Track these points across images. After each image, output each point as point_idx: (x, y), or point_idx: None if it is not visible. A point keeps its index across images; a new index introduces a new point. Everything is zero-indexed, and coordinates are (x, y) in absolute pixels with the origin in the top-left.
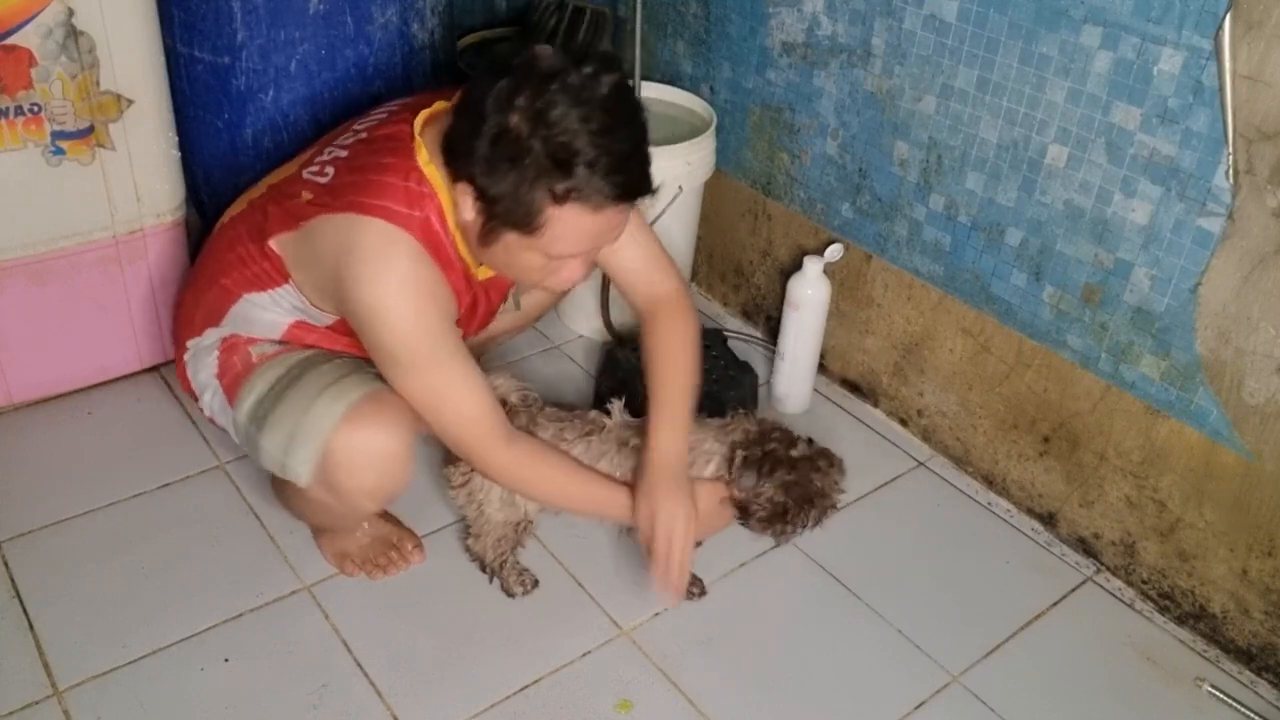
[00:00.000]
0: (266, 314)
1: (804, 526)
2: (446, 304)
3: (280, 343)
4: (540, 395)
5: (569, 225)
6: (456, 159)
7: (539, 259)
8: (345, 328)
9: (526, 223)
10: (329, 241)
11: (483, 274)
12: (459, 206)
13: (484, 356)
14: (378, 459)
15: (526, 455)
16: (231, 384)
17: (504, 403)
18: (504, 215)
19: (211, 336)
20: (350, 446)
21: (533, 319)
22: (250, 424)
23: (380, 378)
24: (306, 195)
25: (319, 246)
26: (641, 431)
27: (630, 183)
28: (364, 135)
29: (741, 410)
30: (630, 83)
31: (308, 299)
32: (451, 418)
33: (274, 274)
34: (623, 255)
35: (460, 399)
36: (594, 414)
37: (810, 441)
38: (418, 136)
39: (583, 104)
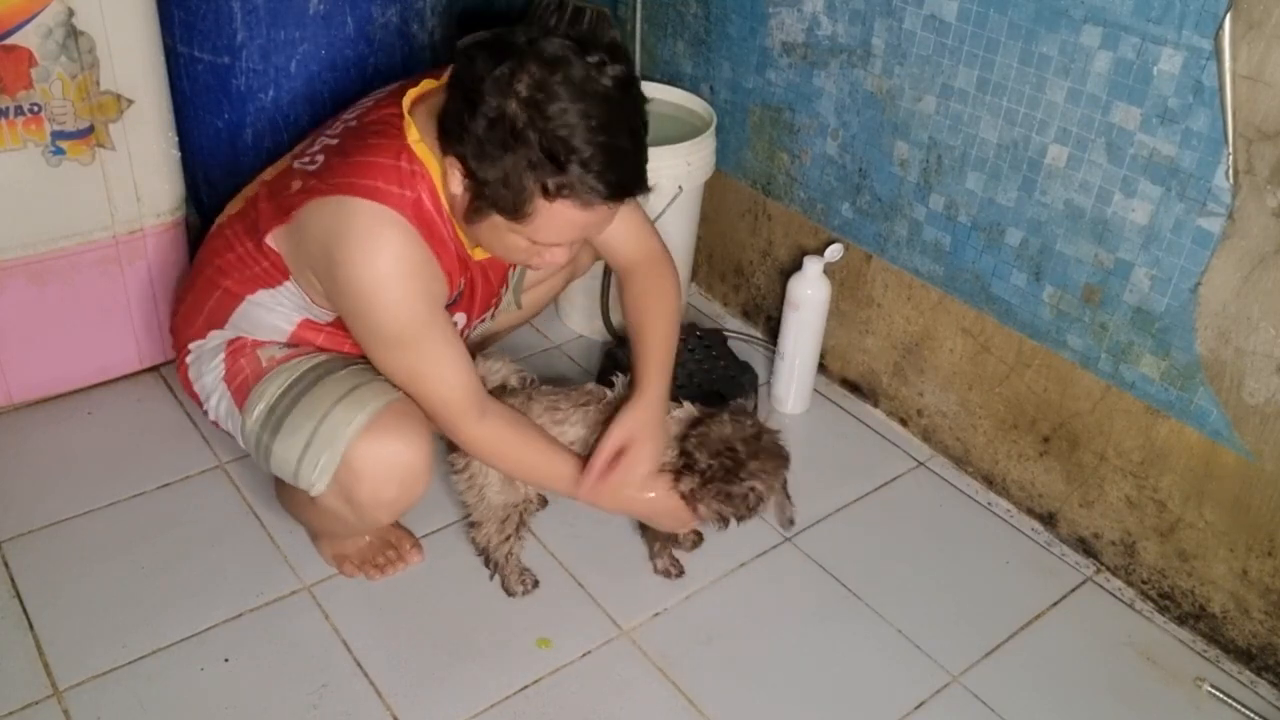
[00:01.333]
0: (271, 315)
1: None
2: (436, 285)
3: (289, 345)
4: (537, 377)
5: (557, 217)
6: (449, 134)
7: (524, 242)
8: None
9: (514, 210)
10: (319, 225)
11: (479, 254)
12: (447, 179)
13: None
14: (399, 471)
15: (497, 432)
16: (240, 389)
17: (503, 386)
18: (492, 198)
19: (216, 339)
20: (372, 457)
21: (532, 315)
22: (262, 430)
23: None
24: (296, 185)
25: (310, 232)
26: (535, 399)
27: (624, 182)
28: (353, 123)
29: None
30: (633, 69)
31: (309, 296)
32: (429, 394)
33: (274, 272)
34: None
35: (440, 376)
36: (591, 386)
37: (757, 427)
38: (407, 115)
39: (584, 97)
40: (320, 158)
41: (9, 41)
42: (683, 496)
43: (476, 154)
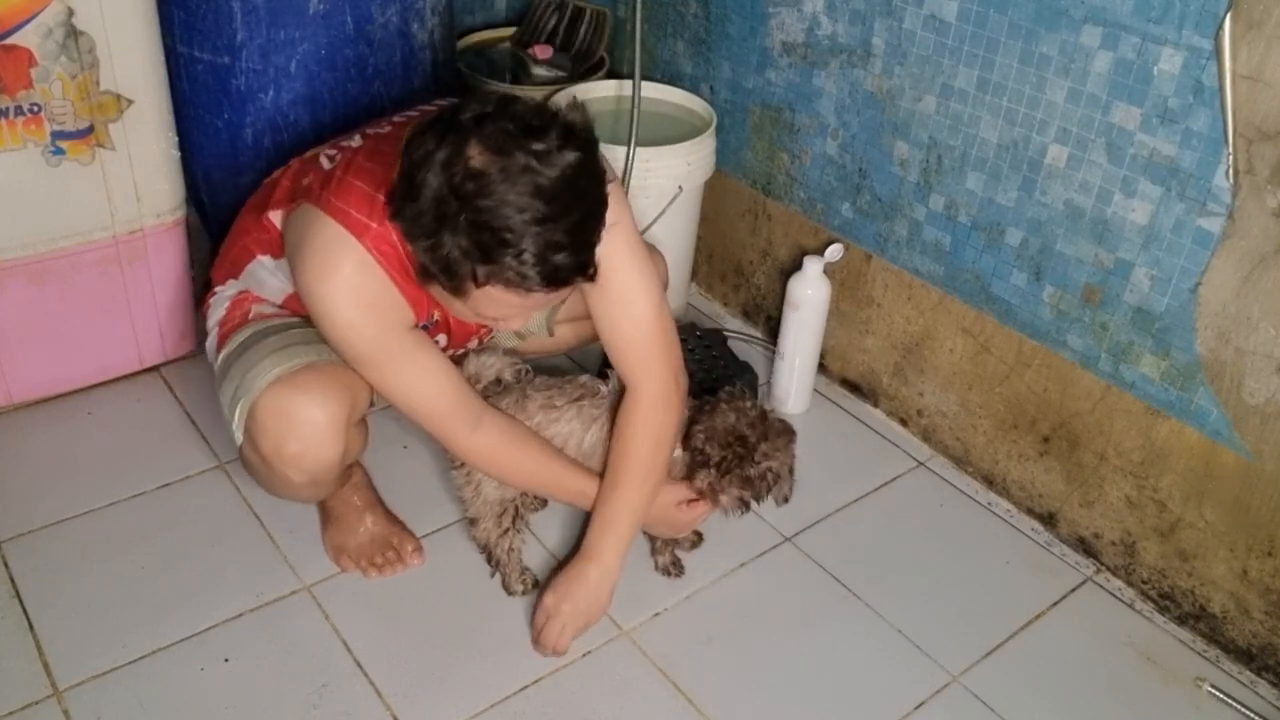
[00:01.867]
0: (272, 278)
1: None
2: (396, 312)
3: (280, 307)
4: (532, 368)
5: (493, 299)
6: (392, 205)
7: (469, 311)
8: None
9: (451, 288)
10: (295, 229)
11: None
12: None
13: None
14: (301, 426)
15: (492, 441)
16: (225, 333)
17: (497, 380)
18: (429, 272)
19: (231, 289)
20: (275, 409)
21: (566, 349)
22: (220, 376)
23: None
24: (309, 179)
25: (290, 231)
26: (530, 397)
27: (559, 274)
28: (386, 130)
29: (707, 400)
30: (592, 155)
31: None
32: (413, 408)
33: (276, 244)
34: (617, 324)
35: (417, 391)
36: (586, 378)
37: (759, 409)
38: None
39: (520, 189)
40: (338, 158)
41: (9, 41)
42: (700, 492)
43: (410, 232)
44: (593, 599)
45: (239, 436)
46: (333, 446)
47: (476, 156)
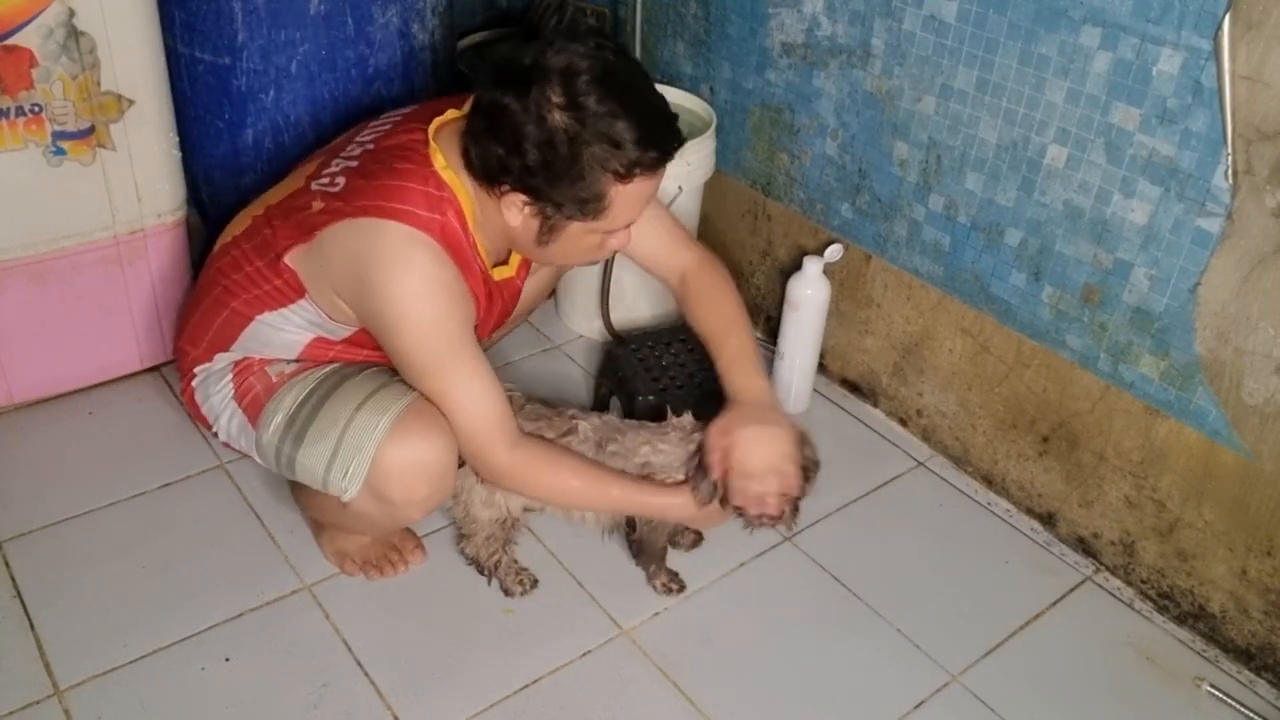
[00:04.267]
0: (281, 334)
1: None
2: (466, 306)
3: (297, 360)
4: (524, 393)
5: (630, 197)
6: (494, 175)
7: (597, 238)
8: (365, 339)
9: (594, 211)
10: (346, 247)
11: (498, 274)
12: (503, 212)
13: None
14: (429, 469)
15: (529, 459)
16: (253, 405)
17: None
18: (570, 211)
19: (222, 362)
20: (402, 459)
21: (528, 313)
22: (281, 442)
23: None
24: (318, 205)
25: (336, 254)
26: (625, 431)
27: (671, 139)
28: (371, 147)
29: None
30: (616, 41)
31: (325, 313)
32: (462, 419)
33: (288, 290)
34: (644, 240)
35: (472, 401)
36: (573, 412)
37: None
38: (433, 142)
39: (605, 85)
40: (341, 180)
41: (10, 42)
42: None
43: (545, 180)
44: (776, 430)
45: (350, 495)
46: (453, 478)
47: (558, 82)
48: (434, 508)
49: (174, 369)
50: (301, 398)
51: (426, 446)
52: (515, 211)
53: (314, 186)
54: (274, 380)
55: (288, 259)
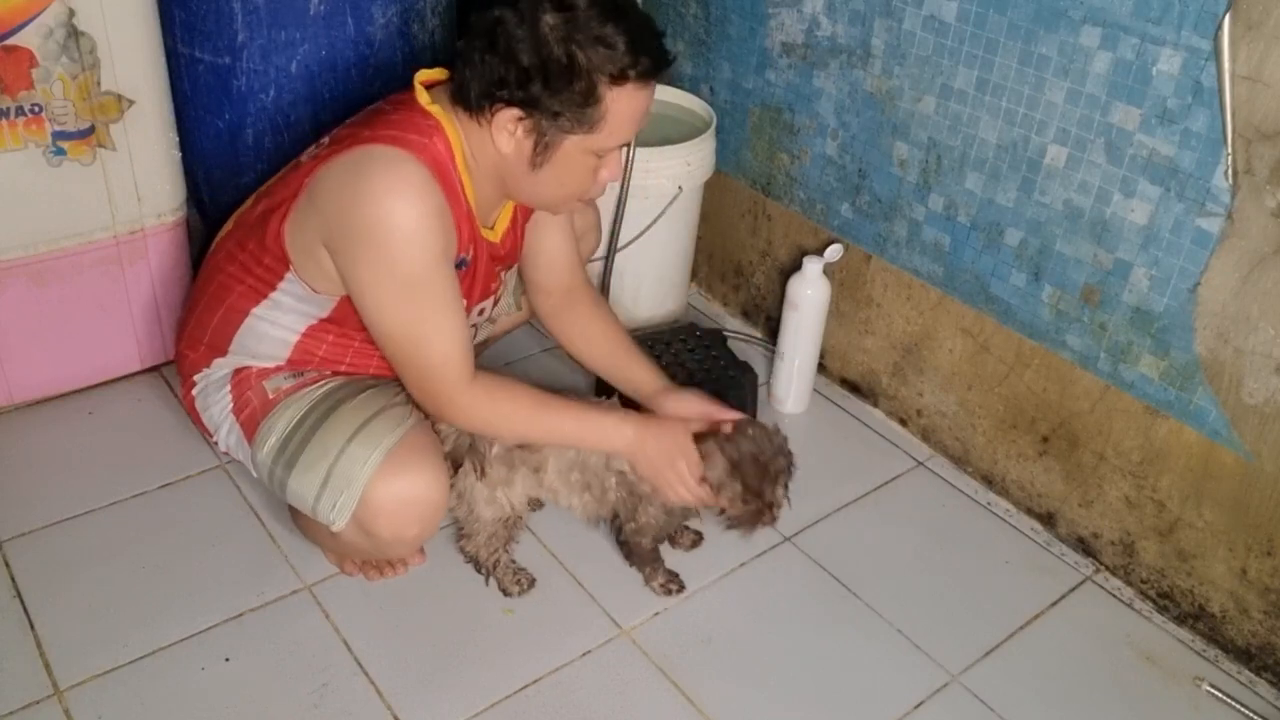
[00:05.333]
0: (274, 329)
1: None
2: (449, 236)
3: (294, 375)
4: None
5: (624, 106)
6: (486, 95)
7: (591, 161)
8: (353, 321)
9: (590, 119)
10: (336, 178)
11: (486, 235)
12: (495, 140)
13: (482, 355)
14: (419, 508)
15: (485, 392)
16: (249, 421)
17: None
18: (567, 122)
19: (220, 369)
20: (391, 498)
21: (532, 314)
22: (274, 464)
23: (408, 416)
24: (304, 165)
25: (325, 189)
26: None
27: (662, 52)
28: (360, 118)
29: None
30: None
31: (308, 285)
32: (423, 356)
33: (275, 267)
34: (552, 236)
35: (438, 339)
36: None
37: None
38: (418, 87)
39: None
40: (326, 141)
41: (10, 42)
42: (707, 481)
43: (542, 87)
44: (670, 431)
45: (339, 525)
46: (443, 515)
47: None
48: (422, 543)
49: (174, 369)
50: (295, 420)
51: (417, 485)
52: (507, 136)
53: (302, 159)
54: (270, 397)
55: (274, 222)
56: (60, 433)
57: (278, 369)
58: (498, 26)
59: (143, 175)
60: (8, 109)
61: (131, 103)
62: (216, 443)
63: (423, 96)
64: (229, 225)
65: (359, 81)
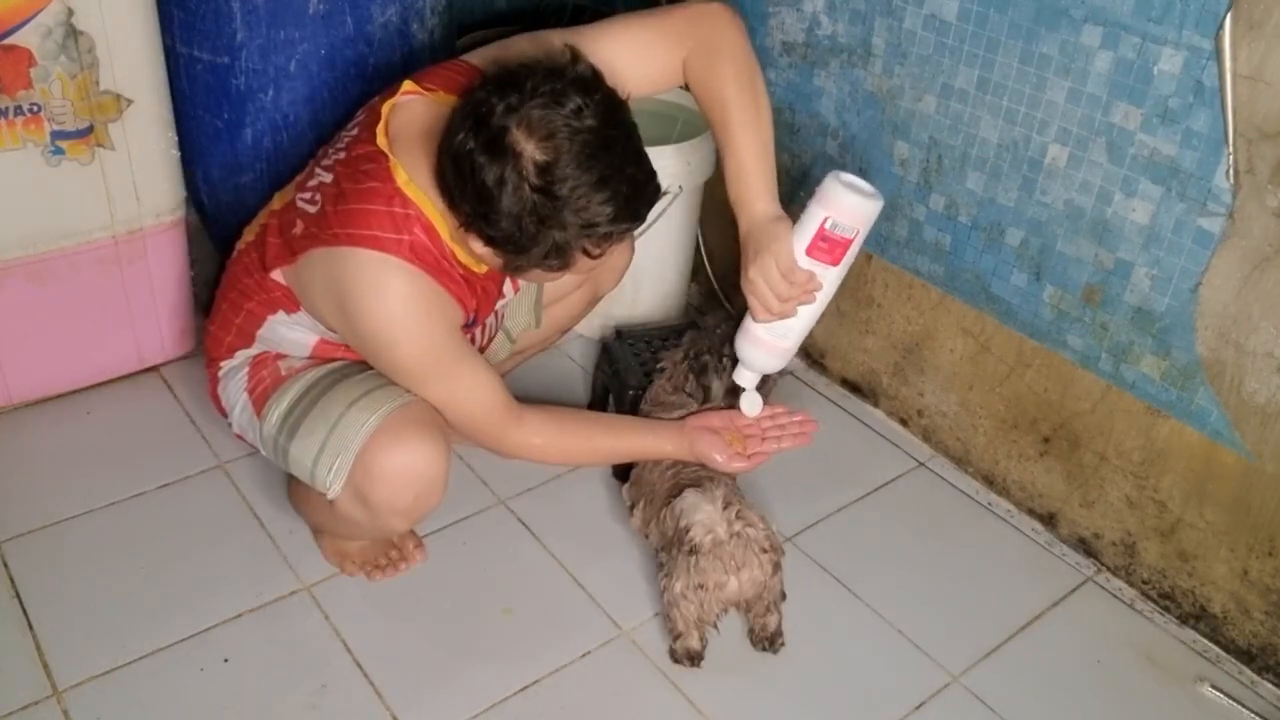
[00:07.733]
0: (292, 332)
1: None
2: (449, 312)
3: (309, 358)
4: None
5: (601, 257)
6: (467, 225)
7: (572, 278)
8: None
9: (560, 267)
10: (323, 275)
11: (480, 268)
12: (468, 242)
13: (508, 377)
14: (414, 478)
15: (541, 425)
16: (260, 397)
17: None
18: (535, 267)
19: (241, 356)
20: (387, 463)
21: (556, 336)
22: (279, 434)
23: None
24: (299, 228)
25: (316, 280)
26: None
27: (646, 207)
28: (343, 155)
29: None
30: (608, 88)
31: (323, 323)
32: (467, 414)
33: (287, 301)
34: (638, 64)
35: (473, 397)
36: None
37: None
38: (391, 157)
39: (583, 165)
40: (319, 198)
41: (8, 41)
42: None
43: (509, 247)
44: (781, 246)
45: (334, 493)
46: (442, 490)
47: (531, 150)
48: (418, 519)
49: (173, 369)
50: (302, 391)
51: (413, 454)
52: (479, 245)
53: (299, 202)
54: (282, 374)
55: (275, 275)
56: (59, 433)
57: (296, 355)
58: (473, 175)
59: (141, 175)
60: (6, 108)
61: (130, 102)
62: (231, 425)
63: (399, 175)
64: (252, 232)
65: (358, 81)
